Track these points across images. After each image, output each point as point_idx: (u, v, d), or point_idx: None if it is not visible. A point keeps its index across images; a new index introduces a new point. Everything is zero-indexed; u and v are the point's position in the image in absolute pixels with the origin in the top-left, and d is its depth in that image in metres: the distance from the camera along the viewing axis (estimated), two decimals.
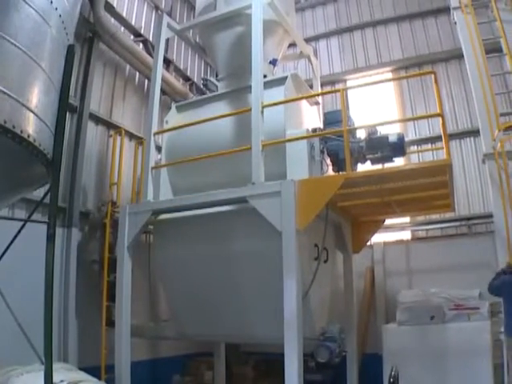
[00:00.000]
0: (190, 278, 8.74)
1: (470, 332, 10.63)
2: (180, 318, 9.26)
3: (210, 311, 8.70)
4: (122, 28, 12.46)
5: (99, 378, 8.04)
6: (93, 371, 7.45)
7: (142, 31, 13.20)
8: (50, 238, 5.36)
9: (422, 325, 10.94)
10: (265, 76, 8.60)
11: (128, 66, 12.58)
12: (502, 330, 8.53)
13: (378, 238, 13.21)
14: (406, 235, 14.20)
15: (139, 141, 11.47)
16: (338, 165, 7.99)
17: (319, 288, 8.30)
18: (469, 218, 13.34)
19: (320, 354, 7.98)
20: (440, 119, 7.35)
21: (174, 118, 9.89)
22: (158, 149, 10.04)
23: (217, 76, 10.32)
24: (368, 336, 12.97)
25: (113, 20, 11.89)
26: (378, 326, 12.25)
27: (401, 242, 13.98)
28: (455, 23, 10.62)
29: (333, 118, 8.27)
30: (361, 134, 8.23)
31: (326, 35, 17.09)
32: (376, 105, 15.07)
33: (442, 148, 7.35)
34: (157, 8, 14.18)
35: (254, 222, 7.41)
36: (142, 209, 8.58)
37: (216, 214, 8.01)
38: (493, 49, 9.89)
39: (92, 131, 11.05)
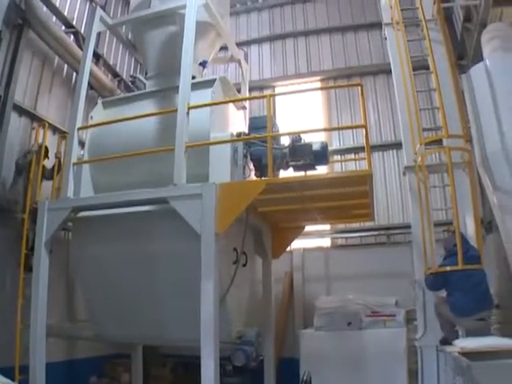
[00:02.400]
0: (108, 277, 8.56)
1: (386, 338, 10.93)
2: (97, 318, 9.05)
3: (127, 312, 8.55)
4: (54, 18, 12.07)
5: (13, 380, 7.75)
6: (7, 372, 7.18)
7: (74, 22, 12.81)
8: None
9: (338, 330, 11.13)
10: (193, 77, 8.53)
11: (57, 58, 12.15)
12: (418, 336, 8.73)
13: (298, 244, 13.33)
14: (326, 242, 14.47)
15: (63, 135, 11.14)
16: (261, 170, 8.02)
17: (237, 292, 8.32)
18: (388, 228, 13.73)
19: (237, 358, 7.99)
20: (364, 130, 7.47)
21: (100, 113, 9.70)
22: (82, 144, 9.82)
23: (146, 74, 10.20)
24: (285, 340, 13.07)
25: (45, 8, 11.49)
26: (296, 330, 12.40)
27: (320, 248, 14.25)
28: (386, 39, 10.84)
29: (258, 124, 8.31)
30: (285, 141, 8.29)
31: (259, 41, 17.26)
32: (303, 113, 15.27)
33: (365, 158, 7.48)
34: (91, 0, 13.87)
35: (174, 224, 7.34)
36: (62, 205, 8.35)
37: (136, 213, 7.86)
38: (420, 66, 10.15)
39: (15, 123, 10.57)
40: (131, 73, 15.13)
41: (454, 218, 7.80)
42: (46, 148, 10.41)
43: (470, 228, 8.60)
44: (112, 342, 11.32)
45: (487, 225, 12.57)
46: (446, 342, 7.73)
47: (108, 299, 8.69)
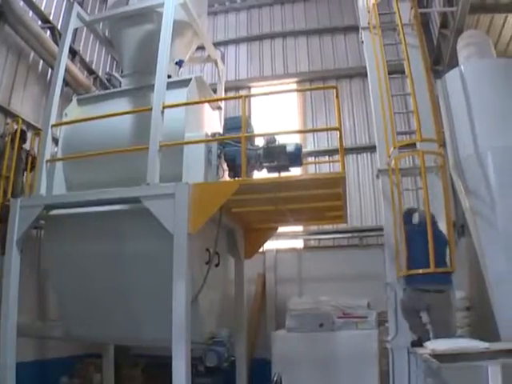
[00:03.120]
0: (80, 276, 8.47)
1: (358, 340, 11.01)
2: (68, 317, 8.93)
3: (99, 312, 8.47)
4: (31, 12, 11.97)
5: None
6: None
7: (51, 17, 12.70)
8: None
9: (310, 332, 11.17)
10: (169, 76, 8.52)
11: (32, 53, 12.06)
12: (389, 338, 8.78)
13: (271, 244, 13.42)
14: (299, 243, 14.54)
15: (37, 132, 10.99)
16: (235, 171, 8.01)
17: (209, 292, 8.30)
18: (361, 230, 13.83)
19: (208, 359, 8.01)
20: (338, 133, 7.49)
21: (74, 111, 9.59)
22: (56, 142, 9.73)
23: (122, 72, 10.12)
24: (258, 341, 13.09)
25: (21, 2, 11.43)
26: (268, 331, 12.43)
27: (293, 249, 14.34)
28: (362, 42, 10.90)
29: (233, 124, 8.31)
30: (260, 142, 8.29)
31: (236, 41, 17.33)
32: (278, 114, 15.33)
33: (339, 161, 7.47)
34: None
35: (147, 223, 7.27)
36: (34, 202, 8.24)
37: (109, 212, 7.81)
38: (396, 70, 10.24)
39: None
40: (107, 70, 15.05)
41: (428, 221, 7.84)
42: (23, 131, 10.28)
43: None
44: (83, 342, 11.24)
45: (460, 228, 12.72)
46: (416, 343, 7.79)
47: (80, 298, 8.61)
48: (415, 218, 8.40)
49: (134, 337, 8.54)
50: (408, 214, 8.57)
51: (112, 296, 8.26)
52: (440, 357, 6.20)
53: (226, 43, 17.05)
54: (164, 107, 7.80)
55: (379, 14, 10.13)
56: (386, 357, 9.07)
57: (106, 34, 11.56)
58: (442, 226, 8.49)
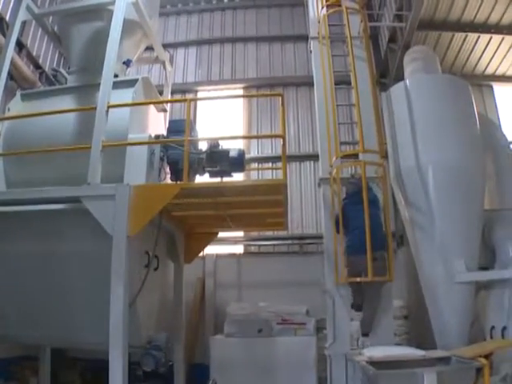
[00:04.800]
0: (16, 276, 8.23)
1: (297, 346, 11.13)
2: (3, 318, 8.63)
3: (35, 313, 8.26)
4: None
5: None
6: None
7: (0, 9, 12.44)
8: None
9: (249, 337, 11.20)
10: (116, 76, 8.37)
11: None
12: (327, 345, 8.86)
13: (211, 249, 13.38)
14: (239, 249, 14.58)
15: None
16: (177, 174, 7.90)
17: (148, 296, 8.19)
18: (301, 238, 13.95)
19: (145, 363, 7.91)
20: (282, 140, 7.57)
21: (18, 105, 9.36)
22: None
23: (69, 68, 9.94)
24: (196, 346, 13.04)
25: None
26: (207, 336, 12.35)
27: (233, 255, 14.35)
28: (311, 52, 10.97)
29: (177, 127, 8.22)
30: (203, 146, 8.26)
31: (185, 44, 17.30)
32: (224, 119, 15.36)
33: (282, 168, 7.54)
34: None
35: (87, 224, 7.16)
36: None
37: (49, 211, 7.60)
38: (343, 81, 10.32)
39: None
40: (54, 66, 14.78)
41: (367, 230, 7.95)
42: None
43: None
44: (19, 344, 10.95)
45: (399, 238, 12.97)
46: (355, 307, 8.44)
47: (15, 299, 8.38)
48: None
49: (71, 339, 8.40)
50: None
51: (49, 297, 8.07)
52: (377, 364, 6.31)
53: (175, 45, 17.01)
54: (109, 107, 7.67)
55: (329, 25, 10.22)
56: (324, 363, 9.14)
57: (55, 28, 11.38)
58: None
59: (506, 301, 8.54)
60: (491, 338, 8.67)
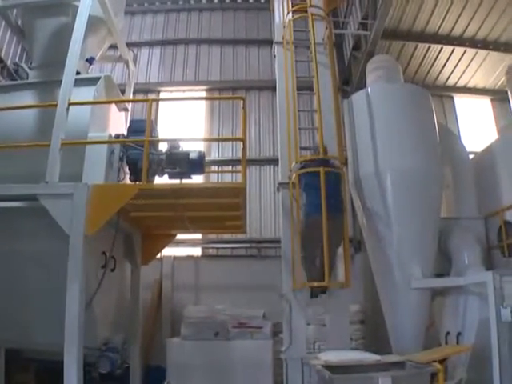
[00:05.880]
0: None
1: (253, 350, 11.10)
2: None
3: None
4: None
5: None
6: None
7: None
8: None
9: (205, 340, 11.12)
10: (78, 73, 8.25)
11: None
12: (283, 348, 8.88)
13: (169, 251, 13.37)
14: (197, 251, 14.55)
15: None
16: (136, 174, 7.83)
17: (104, 297, 8.11)
18: (259, 241, 14.03)
19: (101, 365, 7.87)
20: (242, 144, 7.58)
21: None
22: None
23: (31, 64, 9.81)
24: (153, 348, 12.96)
25: None
26: (163, 339, 12.27)
27: (191, 257, 14.32)
28: (275, 56, 11.00)
29: (137, 127, 8.13)
30: (164, 147, 8.23)
31: (150, 43, 17.22)
32: (185, 121, 15.39)
33: (241, 171, 7.56)
34: None
35: (44, 223, 7.06)
36: None
37: (5, 209, 7.42)
38: (306, 86, 10.35)
39: None
40: (16, 60, 14.55)
41: (324, 236, 8.01)
42: None
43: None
44: None
45: (357, 244, 13.08)
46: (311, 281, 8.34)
47: None
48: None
49: (26, 339, 8.25)
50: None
51: (4, 296, 7.91)
52: (332, 368, 6.34)
53: (139, 44, 16.88)
54: (70, 104, 7.56)
55: (294, 31, 10.24)
56: (281, 367, 9.16)
57: (19, 22, 11.21)
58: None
59: (461, 307, 8.70)
60: (446, 343, 8.84)
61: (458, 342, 8.50)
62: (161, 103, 15.76)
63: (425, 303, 9.07)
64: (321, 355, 7.36)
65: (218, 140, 15.84)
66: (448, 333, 8.85)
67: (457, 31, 15.02)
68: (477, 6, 13.98)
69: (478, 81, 16.90)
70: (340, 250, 8.65)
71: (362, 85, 11.79)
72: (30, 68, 9.65)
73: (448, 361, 7.68)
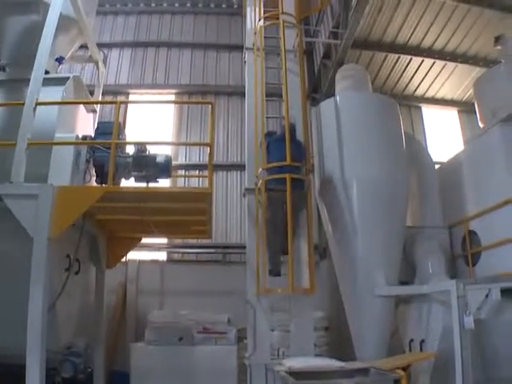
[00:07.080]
0: None
1: (217, 355, 11.13)
2: None
3: None
4: None
5: None
6: None
7: None
8: None
9: (170, 345, 11.09)
10: (47, 72, 8.20)
11: None
12: (247, 354, 8.88)
13: (134, 255, 13.31)
14: (162, 256, 14.52)
15: None
16: (102, 177, 7.79)
17: (68, 300, 8.02)
18: (224, 247, 14.05)
19: (64, 369, 7.83)
20: (209, 149, 7.67)
21: None
22: None
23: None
24: (117, 353, 12.82)
25: None
26: (128, 343, 12.18)
27: (156, 262, 14.25)
28: (245, 62, 11.02)
29: (105, 129, 8.07)
30: (131, 150, 8.20)
31: (121, 45, 17.10)
32: (154, 124, 15.34)
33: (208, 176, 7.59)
34: None
35: (8, 223, 6.96)
36: None
37: None
38: (275, 93, 10.38)
39: None
40: None
41: (289, 241, 8.04)
42: None
43: (303, 253, 8.89)
44: None
45: (322, 251, 13.13)
46: (272, 273, 8.54)
47: None
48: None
49: None
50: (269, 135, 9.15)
51: None
52: (296, 374, 6.34)
53: (110, 45, 16.74)
54: (37, 104, 7.49)
55: (265, 37, 10.29)
56: (245, 373, 9.15)
57: None
58: (304, 248, 8.77)
59: (425, 315, 8.77)
60: (410, 350, 8.91)
61: (421, 350, 8.56)
62: (130, 106, 15.66)
63: (389, 311, 9.15)
64: (285, 361, 7.37)
65: (185, 144, 15.81)
66: (412, 340, 8.91)
67: (426, 43, 15.22)
68: (446, 20, 14.19)
69: (446, 92, 17.15)
70: (305, 256, 8.72)
71: (331, 93, 11.84)
72: None
73: (411, 368, 7.76)
